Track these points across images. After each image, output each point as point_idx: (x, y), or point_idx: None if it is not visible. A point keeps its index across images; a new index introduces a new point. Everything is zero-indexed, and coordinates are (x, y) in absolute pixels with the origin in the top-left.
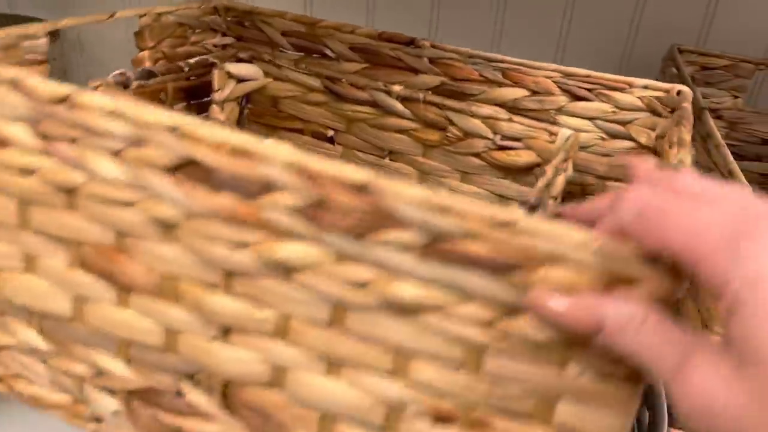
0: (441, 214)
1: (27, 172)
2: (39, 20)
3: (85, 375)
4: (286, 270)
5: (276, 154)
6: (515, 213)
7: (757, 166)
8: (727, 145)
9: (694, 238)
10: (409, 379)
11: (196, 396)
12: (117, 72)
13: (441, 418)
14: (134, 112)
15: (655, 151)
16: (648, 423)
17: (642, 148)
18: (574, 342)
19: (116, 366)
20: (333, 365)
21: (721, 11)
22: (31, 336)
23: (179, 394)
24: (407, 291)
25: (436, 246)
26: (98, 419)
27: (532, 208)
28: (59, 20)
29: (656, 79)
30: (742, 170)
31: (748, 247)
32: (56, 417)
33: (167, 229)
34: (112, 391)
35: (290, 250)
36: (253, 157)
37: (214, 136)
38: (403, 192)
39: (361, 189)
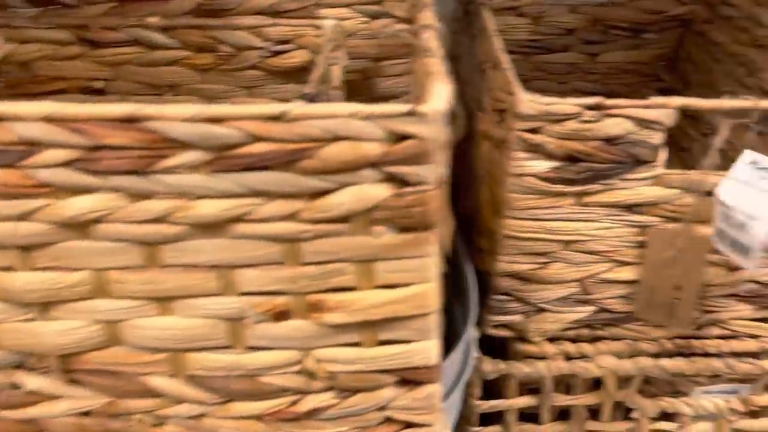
0: (216, 125)
1: None
2: None
3: None
4: (82, 226)
5: (32, 112)
6: (283, 106)
7: (566, 56)
8: (535, 39)
9: None
10: (239, 290)
11: (34, 382)
12: None
13: (279, 314)
14: None
15: (410, 21)
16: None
17: (401, 21)
18: (371, 208)
19: None
20: (164, 303)
21: None
22: None
23: (15, 387)
24: (208, 209)
25: (222, 157)
26: None
27: (311, 100)
28: None
29: None
30: (551, 62)
31: None
32: None
33: None
34: None
35: (79, 206)
36: (8, 121)
37: None
38: (172, 113)
39: (129, 122)
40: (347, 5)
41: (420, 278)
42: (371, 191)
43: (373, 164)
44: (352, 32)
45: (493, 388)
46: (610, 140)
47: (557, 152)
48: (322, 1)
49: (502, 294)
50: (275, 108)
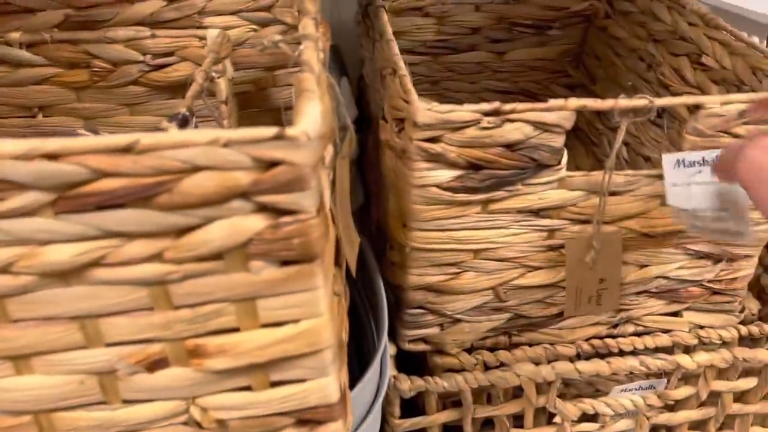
0: (54, 162)
1: None
2: None
3: None
4: None
5: None
6: (131, 136)
7: (474, 55)
8: (441, 39)
9: None
10: (106, 341)
11: None
12: None
13: (155, 363)
14: None
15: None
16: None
17: (292, 29)
18: (245, 242)
19: None
20: (20, 361)
21: None
22: None
23: None
24: (58, 255)
25: (66, 197)
26: None
27: (183, 120)
28: None
29: None
30: (460, 62)
31: None
32: None
33: None
34: None
35: None
36: None
37: None
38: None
39: None
40: (234, 13)
41: (309, 313)
42: (243, 224)
43: (243, 195)
44: (239, 42)
45: (415, 403)
46: (510, 146)
47: (458, 161)
48: (206, 8)
49: (416, 307)
50: (121, 139)
